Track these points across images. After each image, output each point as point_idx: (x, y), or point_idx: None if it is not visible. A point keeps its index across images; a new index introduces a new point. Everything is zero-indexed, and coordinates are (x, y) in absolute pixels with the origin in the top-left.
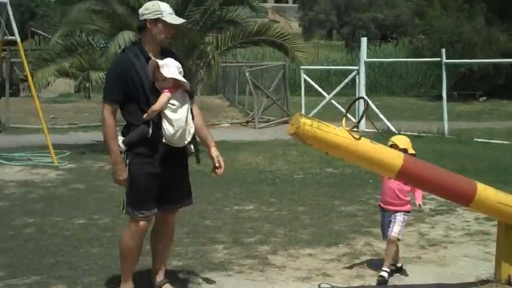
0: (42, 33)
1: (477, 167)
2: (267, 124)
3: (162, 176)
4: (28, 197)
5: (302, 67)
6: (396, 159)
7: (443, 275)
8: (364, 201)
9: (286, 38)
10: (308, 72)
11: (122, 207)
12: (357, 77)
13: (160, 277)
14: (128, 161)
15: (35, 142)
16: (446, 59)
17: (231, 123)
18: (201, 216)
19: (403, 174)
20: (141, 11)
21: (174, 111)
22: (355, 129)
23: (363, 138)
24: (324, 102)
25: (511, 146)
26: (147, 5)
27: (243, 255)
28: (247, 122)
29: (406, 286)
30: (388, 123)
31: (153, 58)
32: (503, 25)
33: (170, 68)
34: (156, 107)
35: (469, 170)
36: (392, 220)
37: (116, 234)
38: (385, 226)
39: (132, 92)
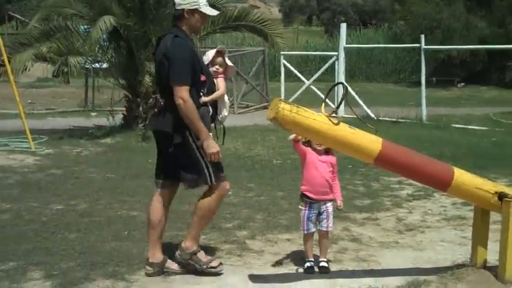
0: (20, 17)
1: (455, 152)
2: (246, 110)
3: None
4: (5, 183)
5: (282, 53)
6: (374, 144)
7: (420, 260)
8: (343, 187)
9: (266, 23)
10: (288, 58)
11: (209, 180)
12: (336, 62)
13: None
14: (193, 140)
15: (12, 127)
16: (426, 45)
17: None
18: (179, 202)
19: (381, 160)
20: (178, 0)
21: (226, 94)
22: (334, 114)
23: (341, 123)
24: (303, 87)
25: (488, 131)
26: None
27: (221, 240)
28: None
29: (384, 270)
30: (367, 109)
31: (220, 47)
32: (482, 11)
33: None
34: (222, 91)
35: (447, 155)
36: (325, 211)
37: (94, 220)
38: (311, 218)
39: (193, 76)
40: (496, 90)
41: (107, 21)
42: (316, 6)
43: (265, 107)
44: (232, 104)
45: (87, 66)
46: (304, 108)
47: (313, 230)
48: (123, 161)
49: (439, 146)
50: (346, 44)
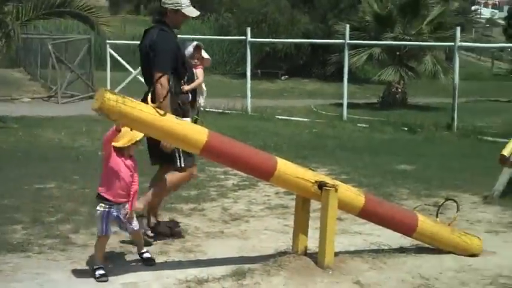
0: None
1: (278, 143)
2: (70, 99)
3: None
4: None
5: (108, 41)
6: (201, 135)
7: (244, 248)
8: None
9: (91, 11)
10: (115, 47)
11: (178, 164)
12: None
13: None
14: None
15: None
16: (252, 37)
17: (32, 98)
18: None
19: (207, 150)
20: None
21: (203, 83)
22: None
23: (168, 114)
24: (130, 77)
25: (309, 123)
26: None
27: (43, 235)
28: (50, 96)
29: (210, 260)
30: None
31: (197, 42)
32: (305, 7)
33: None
34: (200, 80)
35: (271, 146)
36: (124, 215)
37: None
38: (110, 220)
39: (175, 65)
40: (317, 83)
41: None
42: None
43: (91, 97)
44: (56, 94)
45: None
46: (131, 98)
47: (111, 233)
48: None
49: (263, 137)
50: None
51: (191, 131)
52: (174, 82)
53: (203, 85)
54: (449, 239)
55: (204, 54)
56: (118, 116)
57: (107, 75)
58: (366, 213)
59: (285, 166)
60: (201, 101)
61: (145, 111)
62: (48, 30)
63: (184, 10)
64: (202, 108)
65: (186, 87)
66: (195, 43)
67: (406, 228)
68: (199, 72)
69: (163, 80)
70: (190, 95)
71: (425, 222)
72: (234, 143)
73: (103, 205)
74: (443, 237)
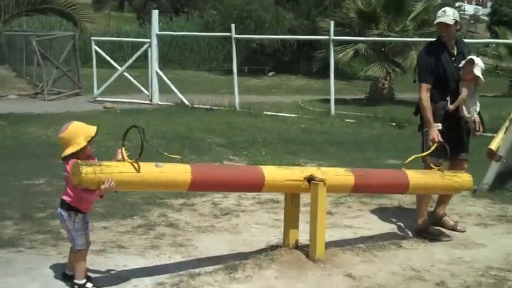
0: None
1: (267, 138)
2: (57, 96)
3: (447, 135)
4: None
5: (93, 38)
6: (185, 175)
7: (235, 243)
8: None
9: (74, 7)
10: (100, 44)
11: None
12: (149, 50)
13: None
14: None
15: None
16: (237, 34)
17: (18, 95)
18: None
19: (195, 185)
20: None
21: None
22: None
23: (147, 164)
24: (116, 74)
25: (297, 118)
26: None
27: (34, 231)
28: (36, 93)
29: (201, 254)
30: (182, 97)
31: (471, 57)
32: (289, 4)
33: (479, 68)
34: (463, 95)
35: (259, 141)
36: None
37: None
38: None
39: (436, 79)
40: (304, 79)
41: None
42: None
43: (78, 94)
44: (42, 91)
45: None
46: (106, 163)
47: None
48: None
49: (252, 132)
50: (158, 31)
51: (175, 174)
52: (435, 92)
53: (472, 99)
54: (441, 184)
55: (477, 72)
56: (99, 184)
57: (93, 72)
58: (359, 188)
59: (272, 174)
60: (465, 113)
61: (124, 171)
62: (32, 28)
63: (436, 21)
64: (474, 119)
65: (451, 107)
66: (469, 57)
67: (400, 187)
68: (463, 86)
69: (421, 91)
70: (448, 104)
71: (415, 178)
72: (218, 169)
73: (79, 214)
74: (436, 184)
